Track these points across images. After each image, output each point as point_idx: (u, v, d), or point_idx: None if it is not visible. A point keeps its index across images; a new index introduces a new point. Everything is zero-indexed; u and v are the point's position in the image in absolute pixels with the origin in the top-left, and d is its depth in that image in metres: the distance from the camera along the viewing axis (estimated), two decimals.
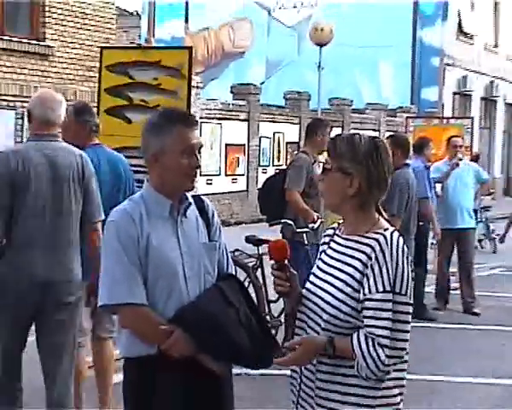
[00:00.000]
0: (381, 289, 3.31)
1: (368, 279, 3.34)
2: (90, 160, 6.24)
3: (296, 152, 17.67)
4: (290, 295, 3.62)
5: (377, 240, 3.38)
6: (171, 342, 3.65)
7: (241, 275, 9.24)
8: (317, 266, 3.61)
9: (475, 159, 22.06)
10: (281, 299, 8.90)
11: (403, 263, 3.35)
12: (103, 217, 5.84)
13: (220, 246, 4.01)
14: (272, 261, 3.62)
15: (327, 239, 3.67)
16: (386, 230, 3.44)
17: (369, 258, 3.36)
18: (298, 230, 8.84)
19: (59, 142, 5.95)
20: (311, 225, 8.84)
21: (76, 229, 5.88)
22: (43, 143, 5.79)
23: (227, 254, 4.06)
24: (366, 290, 3.34)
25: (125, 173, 6.92)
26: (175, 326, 3.67)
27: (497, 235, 19.98)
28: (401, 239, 3.43)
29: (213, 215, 4.03)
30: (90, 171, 5.97)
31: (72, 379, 6.08)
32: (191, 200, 3.93)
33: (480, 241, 19.97)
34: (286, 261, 3.58)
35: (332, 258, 3.54)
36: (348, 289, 3.38)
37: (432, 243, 13.25)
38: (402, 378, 3.46)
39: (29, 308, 5.70)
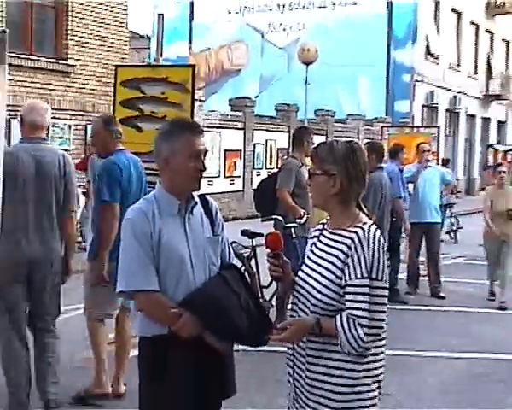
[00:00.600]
0: (359, 275, 3.32)
1: (348, 267, 3.36)
2: (122, 162, 6.64)
3: (286, 157, 17.66)
4: (283, 279, 3.64)
5: (356, 233, 3.40)
6: (181, 323, 3.64)
7: (237, 264, 9.25)
8: (308, 257, 3.62)
9: (446, 163, 22.27)
10: (272, 284, 8.92)
11: (379, 253, 3.36)
12: (79, 205, 6.17)
13: (223, 239, 4.00)
14: (268, 250, 3.64)
15: (317, 233, 3.67)
16: (364, 223, 3.46)
17: (350, 248, 3.37)
18: (287, 224, 8.84)
19: (45, 144, 6.27)
20: (298, 220, 8.84)
21: (56, 215, 6.18)
22: (32, 145, 6.06)
23: (229, 247, 4.05)
24: (347, 277, 3.35)
25: (143, 174, 7.00)
26: (184, 310, 3.66)
27: (459, 228, 20.18)
28: (378, 232, 3.45)
29: (216, 213, 4.02)
30: (70, 168, 6.28)
31: (56, 333, 6.39)
32: (197, 199, 3.93)
33: (448, 232, 20.09)
34: (280, 251, 3.61)
35: (320, 250, 3.55)
36: (332, 277, 3.40)
37: (403, 237, 13.26)
38: (381, 353, 3.47)
39: (20, 281, 6.02)
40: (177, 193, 3.83)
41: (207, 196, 4.06)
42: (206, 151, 3.89)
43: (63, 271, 6.34)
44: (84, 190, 13.91)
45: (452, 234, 20.44)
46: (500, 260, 11.41)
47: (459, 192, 23.92)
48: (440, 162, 21.09)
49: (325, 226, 3.64)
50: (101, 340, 6.78)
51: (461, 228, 20.44)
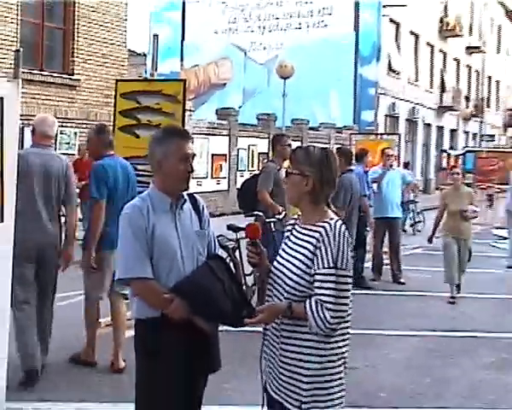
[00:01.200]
0: (326, 265, 3.32)
1: (317, 258, 3.36)
2: (109, 165, 6.82)
3: (266, 161, 17.68)
4: (259, 266, 3.64)
5: (324, 227, 3.39)
6: (172, 307, 3.62)
7: (223, 254, 9.24)
8: (282, 249, 3.61)
9: (407, 165, 22.54)
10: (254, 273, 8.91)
11: (343, 245, 3.35)
12: (77, 202, 6.84)
13: (209, 233, 3.97)
14: (247, 240, 3.65)
15: (290, 227, 3.67)
16: (331, 219, 3.45)
17: (318, 241, 3.37)
18: (267, 219, 8.83)
19: (51, 150, 6.66)
20: (277, 216, 8.83)
21: (57, 209, 6.56)
22: (41, 151, 6.41)
23: (214, 240, 4.02)
24: (315, 267, 3.35)
25: (132, 176, 7.07)
26: (175, 295, 3.64)
27: (418, 222, 20.43)
28: (343, 226, 3.43)
29: (203, 209, 3.99)
30: (70, 172, 6.66)
31: (52, 304, 6.72)
32: (186, 197, 3.90)
33: (412, 225, 20.30)
34: (258, 240, 3.61)
35: (293, 242, 3.55)
36: (303, 267, 3.40)
37: (368, 230, 13.30)
38: (346, 333, 3.48)
39: (30, 260, 6.30)
40: (169, 192, 3.81)
41: (196, 195, 4.04)
42: (194, 155, 3.88)
43: (64, 256, 6.63)
44: (77, 191, 13.88)
45: (413, 226, 20.66)
46: (458, 258, 10.73)
47: (420, 191, 24.12)
48: (402, 165, 21.31)
49: (297, 221, 3.63)
50: (94, 317, 6.98)
51: (420, 222, 20.63)
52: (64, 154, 16.23)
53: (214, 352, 3.93)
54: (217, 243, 4.05)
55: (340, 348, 3.44)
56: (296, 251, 3.48)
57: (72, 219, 6.67)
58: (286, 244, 3.60)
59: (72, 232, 6.71)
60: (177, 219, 3.81)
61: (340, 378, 3.45)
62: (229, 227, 9.67)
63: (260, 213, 8.93)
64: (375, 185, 12.53)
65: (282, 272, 3.50)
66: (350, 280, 3.40)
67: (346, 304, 3.38)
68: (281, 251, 3.61)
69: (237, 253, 9.64)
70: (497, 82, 56.92)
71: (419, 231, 20.17)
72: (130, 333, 3.99)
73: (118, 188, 6.77)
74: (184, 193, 3.89)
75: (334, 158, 3.57)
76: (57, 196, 6.47)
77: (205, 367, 3.89)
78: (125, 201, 6.46)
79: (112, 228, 6.47)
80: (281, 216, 8.82)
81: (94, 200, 6.72)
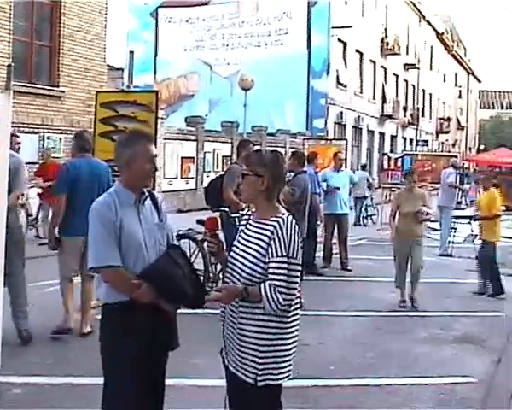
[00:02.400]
0: (279, 254, 3.36)
1: (271, 248, 3.38)
2: (73, 165, 7.16)
3: (230, 163, 17.68)
4: (218, 254, 3.68)
5: (278, 221, 3.43)
6: (140, 292, 3.57)
7: (193, 245, 9.21)
8: (238, 240, 3.61)
9: (364, 167, 22.88)
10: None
11: (294, 237, 3.40)
12: (23, 190, 7.09)
13: (167, 226, 3.92)
14: (207, 231, 3.70)
15: (244, 221, 3.69)
16: (283, 214, 3.49)
17: (272, 233, 3.40)
18: (232, 215, 8.81)
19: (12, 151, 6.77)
20: (240, 212, 8.80)
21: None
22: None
23: (171, 231, 3.95)
24: (270, 255, 3.38)
25: (101, 173, 7.18)
26: (142, 281, 3.59)
27: (370, 215, 20.91)
28: (294, 220, 3.47)
29: (161, 204, 3.94)
30: (20, 165, 6.62)
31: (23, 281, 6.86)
32: (147, 193, 3.85)
33: (365, 218, 20.57)
34: (217, 231, 3.66)
35: (248, 235, 3.56)
36: (259, 256, 3.42)
37: (318, 224, 13.36)
38: (296, 314, 3.52)
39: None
40: (133, 188, 3.76)
41: (154, 192, 3.99)
42: (156, 155, 3.88)
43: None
44: (40, 192, 13.49)
45: (365, 219, 20.90)
46: (409, 258, 9.62)
47: (376, 189, 24.41)
48: (360, 166, 21.61)
49: (251, 216, 3.65)
50: (68, 293, 7.14)
51: (374, 215, 20.96)
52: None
53: (174, 332, 3.87)
54: (174, 235, 3.99)
55: (290, 327, 3.47)
56: (252, 242, 3.49)
57: (12, 197, 6.61)
58: (241, 236, 3.61)
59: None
60: (140, 213, 3.75)
61: (290, 355, 3.48)
62: (199, 221, 9.57)
63: (226, 209, 8.92)
64: (324, 184, 12.60)
65: (239, 261, 3.50)
66: (299, 268, 3.44)
67: (295, 288, 3.41)
68: (236, 242, 3.61)
69: (205, 244, 9.59)
70: (430, 95, 57.65)
71: (374, 223, 20.39)
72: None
73: (80, 183, 6.92)
74: (145, 190, 3.84)
75: (283, 158, 3.64)
76: (9, 187, 6.49)
77: (167, 345, 3.83)
78: (91, 194, 6.73)
79: (74, 216, 6.86)
80: (243, 212, 8.80)
81: (56, 194, 7.14)
